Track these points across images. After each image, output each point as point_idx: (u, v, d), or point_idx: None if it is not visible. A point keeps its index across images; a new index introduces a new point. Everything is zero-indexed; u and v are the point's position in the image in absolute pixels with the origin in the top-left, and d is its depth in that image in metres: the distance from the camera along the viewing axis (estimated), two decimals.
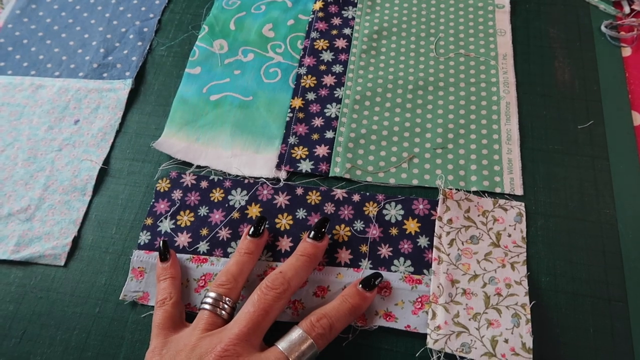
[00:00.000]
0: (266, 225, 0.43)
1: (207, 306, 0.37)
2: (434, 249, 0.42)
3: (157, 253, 0.43)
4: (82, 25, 0.60)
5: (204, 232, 0.45)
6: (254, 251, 0.41)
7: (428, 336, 0.38)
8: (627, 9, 0.55)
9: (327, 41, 0.56)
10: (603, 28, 0.54)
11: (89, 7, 0.61)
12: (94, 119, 0.52)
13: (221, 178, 0.47)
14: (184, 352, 0.35)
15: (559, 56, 0.53)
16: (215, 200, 0.46)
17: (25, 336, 0.42)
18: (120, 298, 0.42)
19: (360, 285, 0.39)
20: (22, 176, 0.49)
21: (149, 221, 0.46)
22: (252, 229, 0.42)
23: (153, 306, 0.41)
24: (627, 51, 0.53)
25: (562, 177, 0.46)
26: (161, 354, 0.35)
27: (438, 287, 0.40)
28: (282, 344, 0.35)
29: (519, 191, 0.45)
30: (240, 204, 0.46)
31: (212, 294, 0.38)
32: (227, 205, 0.46)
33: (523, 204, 0.44)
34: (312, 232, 0.41)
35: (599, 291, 0.41)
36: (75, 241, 0.46)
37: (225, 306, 0.38)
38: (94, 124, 0.52)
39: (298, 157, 0.48)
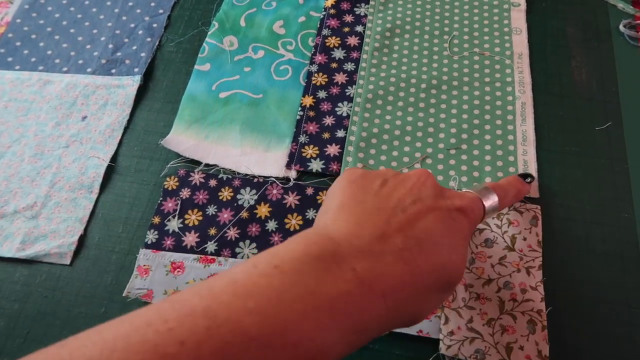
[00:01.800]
0: None
1: None
2: None
3: (164, 252, 0.43)
4: (91, 20, 0.59)
5: (212, 231, 0.44)
6: None
7: (441, 342, 0.37)
8: None
9: (338, 38, 0.55)
10: (621, 27, 0.53)
11: (98, 3, 0.61)
12: (101, 116, 0.52)
13: (230, 177, 0.47)
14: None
15: (576, 56, 0.52)
16: (224, 200, 0.45)
17: (30, 336, 0.41)
18: (124, 294, 0.41)
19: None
20: (29, 173, 0.49)
21: (156, 220, 0.45)
22: None
23: None
24: None
25: (579, 179, 0.45)
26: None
27: None
28: (473, 189, 0.36)
29: (535, 194, 0.44)
30: (249, 203, 0.45)
31: None
32: (236, 204, 0.45)
33: (539, 206, 0.43)
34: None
35: (618, 297, 0.39)
36: (81, 240, 0.45)
37: None
38: (101, 121, 0.51)
39: (308, 156, 0.47)
